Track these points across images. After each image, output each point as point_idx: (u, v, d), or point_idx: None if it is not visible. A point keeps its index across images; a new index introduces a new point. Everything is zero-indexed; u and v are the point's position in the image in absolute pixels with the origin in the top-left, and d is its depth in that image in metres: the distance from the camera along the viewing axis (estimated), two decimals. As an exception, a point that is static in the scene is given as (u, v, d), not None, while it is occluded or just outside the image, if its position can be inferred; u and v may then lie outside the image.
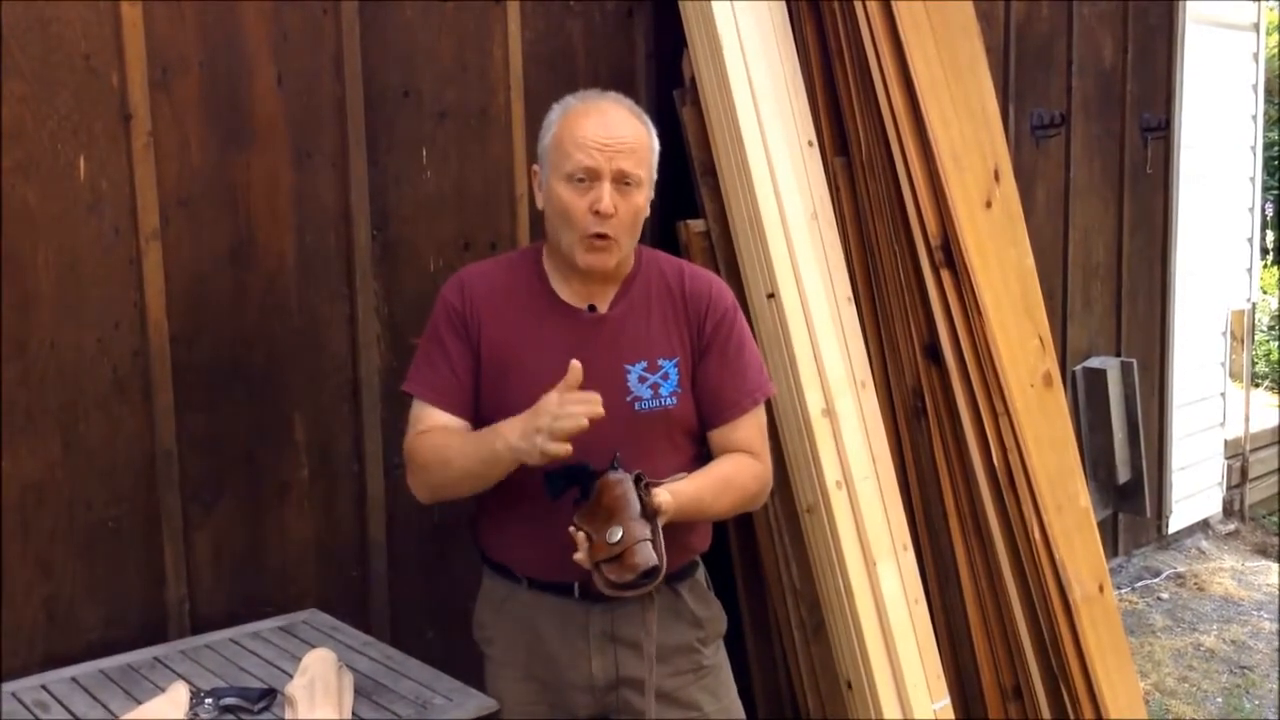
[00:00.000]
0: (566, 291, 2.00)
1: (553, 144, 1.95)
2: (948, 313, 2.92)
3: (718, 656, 2.14)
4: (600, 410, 1.76)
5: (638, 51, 3.03)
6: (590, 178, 1.89)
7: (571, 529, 1.78)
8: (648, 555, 1.74)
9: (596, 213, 1.89)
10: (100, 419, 2.21)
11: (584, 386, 1.93)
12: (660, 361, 1.98)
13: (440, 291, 2.04)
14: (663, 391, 1.97)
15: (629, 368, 1.96)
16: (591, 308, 1.99)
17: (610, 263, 1.94)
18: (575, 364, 1.78)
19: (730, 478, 1.99)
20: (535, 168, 2.03)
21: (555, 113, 1.98)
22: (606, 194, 1.89)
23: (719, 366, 2.02)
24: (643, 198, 1.96)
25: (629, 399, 1.95)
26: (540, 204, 2.01)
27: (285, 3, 2.40)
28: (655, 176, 2.00)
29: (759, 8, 2.82)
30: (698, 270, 2.11)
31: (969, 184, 2.96)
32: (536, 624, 2.02)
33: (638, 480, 1.80)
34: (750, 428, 2.04)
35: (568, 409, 1.75)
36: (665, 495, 1.82)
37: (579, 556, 1.77)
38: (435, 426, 1.97)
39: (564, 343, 1.96)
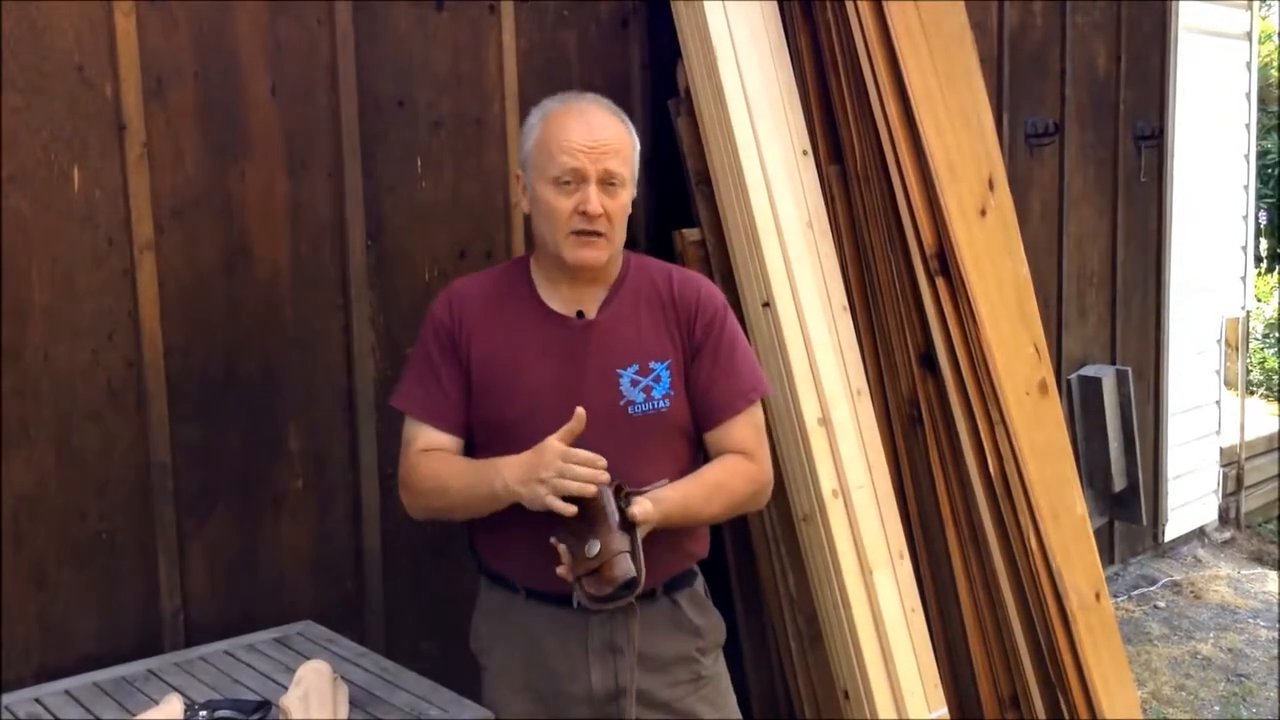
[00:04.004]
0: (555, 299, 2.00)
1: (536, 148, 1.95)
2: (943, 321, 2.92)
3: (716, 666, 2.13)
4: (605, 477, 1.78)
5: (632, 61, 3.04)
6: (576, 180, 1.91)
7: (553, 541, 1.79)
8: (625, 568, 1.75)
9: (584, 214, 1.90)
10: (94, 430, 2.20)
11: (576, 392, 1.94)
12: (652, 365, 1.98)
13: (430, 307, 2.05)
14: (655, 394, 1.97)
15: (621, 372, 1.96)
16: (580, 314, 1.99)
17: (602, 258, 1.95)
18: (580, 412, 1.80)
19: (720, 482, 1.99)
20: (519, 173, 2.03)
21: (535, 116, 1.99)
22: (594, 195, 1.90)
23: (711, 368, 2.01)
24: (627, 196, 1.97)
25: (622, 403, 1.95)
26: (526, 208, 2.02)
27: (279, 14, 2.40)
28: (637, 175, 2.01)
29: (753, 17, 2.82)
30: (686, 273, 2.11)
31: (964, 193, 2.96)
32: (535, 634, 2.01)
33: (618, 491, 1.81)
34: (745, 428, 2.03)
35: (573, 469, 1.77)
36: (646, 505, 1.82)
37: (561, 570, 1.79)
38: (431, 447, 1.97)
39: (555, 351, 1.96)
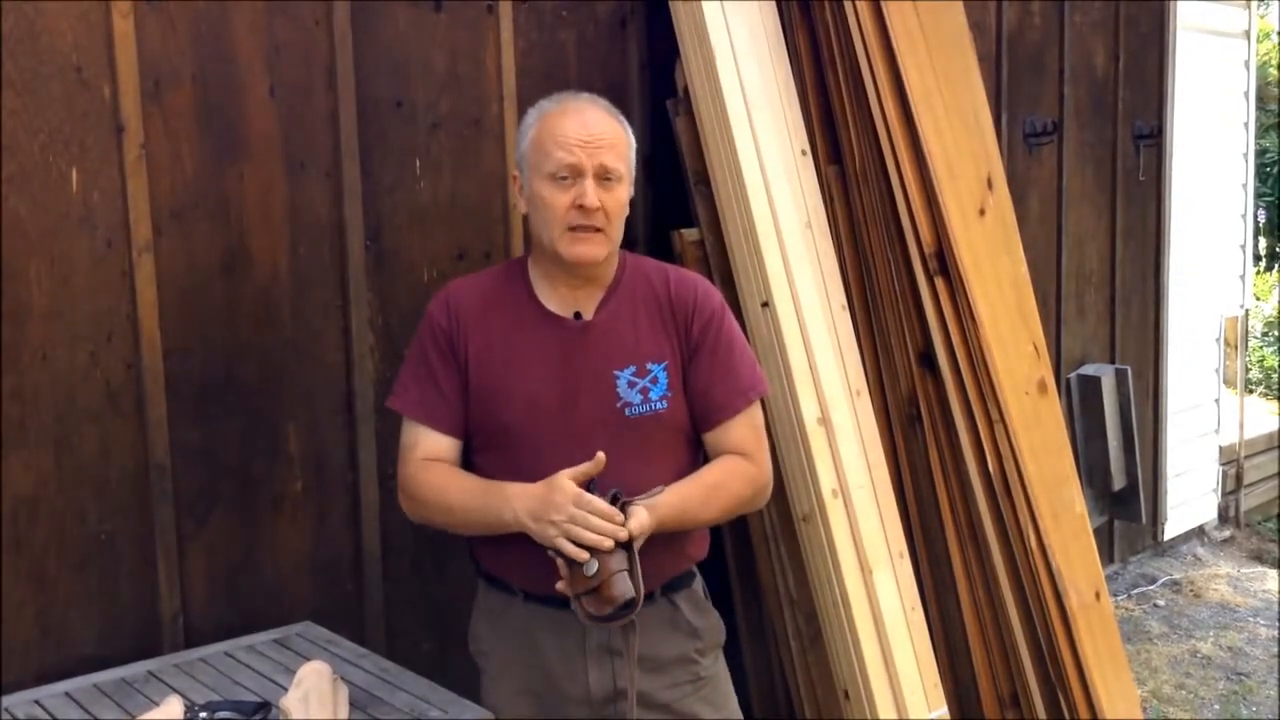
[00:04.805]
0: (553, 300, 2.00)
1: (532, 145, 1.96)
2: (942, 321, 2.92)
3: (716, 667, 2.13)
4: (623, 534, 1.77)
5: (631, 61, 3.04)
6: (573, 175, 1.91)
7: (551, 553, 1.79)
8: (624, 588, 1.74)
9: (581, 208, 1.90)
10: (93, 432, 2.20)
11: (573, 395, 1.93)
12: (649, 366, 1.98)
13: (427, 308, 2.05)
14: (652, 396, 1.97)
15: (618, 373, 1.96)
16: (577, 315, 1.99)
17: (599, 254, 1.94)
18: (600, 456, 1.79)
19: (719, 483, 1.99)
20: (515, 173, 2.04)
21: (532, 116, 2.00)
22: (590, 189, 1.90)
23: (708, 368, 2.01)
24: (624, 192, 1.97)
25: (619, 405, 1.95)
26: (523, 208, 2.02)
27: (277, 15, 2.40)
28: (634, 174, 2.01)
29: (752, 17, 2.82)
30: (684, 273, 2.11)
31: (962, 192, 2.96)
32: (533, 637, 2.01)
33: (613, 501, 1.80)
34: (744, 428, 2.03)
35: (590, 521, 1.76)
36: (642, 517, 1.81)
37: (560, 586, 1.78)
38: (432, 454, 1.97)
39: (552, 352, 1.96)
